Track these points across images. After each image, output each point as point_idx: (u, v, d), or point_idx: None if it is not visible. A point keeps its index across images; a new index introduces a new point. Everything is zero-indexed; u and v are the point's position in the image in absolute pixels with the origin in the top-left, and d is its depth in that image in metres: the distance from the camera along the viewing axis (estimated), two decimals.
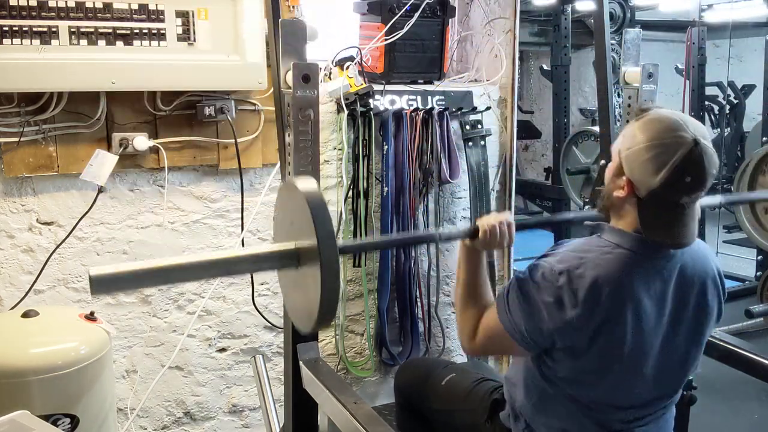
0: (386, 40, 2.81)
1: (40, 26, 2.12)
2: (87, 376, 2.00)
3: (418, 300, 3.03)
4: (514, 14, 3.11)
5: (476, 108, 3.01)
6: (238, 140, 2.53)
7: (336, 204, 2.81)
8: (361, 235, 2.83)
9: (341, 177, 2.79)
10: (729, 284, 4.45)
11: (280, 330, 2.76)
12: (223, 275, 1.94)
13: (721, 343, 2.19)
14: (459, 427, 1.94)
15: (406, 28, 2.81)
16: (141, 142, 2.39)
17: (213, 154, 2.57)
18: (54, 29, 2.14)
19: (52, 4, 2.13)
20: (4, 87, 2.15)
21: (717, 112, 5.14)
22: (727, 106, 5.02)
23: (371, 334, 2.99)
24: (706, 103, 4.69)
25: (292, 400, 2.07)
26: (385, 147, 2.81)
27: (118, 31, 2.22)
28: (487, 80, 3.15)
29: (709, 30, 4.29)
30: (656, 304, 1.54)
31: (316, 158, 1.87)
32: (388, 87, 2.81)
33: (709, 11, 4.50)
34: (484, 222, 1.64)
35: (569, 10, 3.95)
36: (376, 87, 2.77)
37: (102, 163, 2.32)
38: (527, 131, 4.32)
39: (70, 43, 2.17)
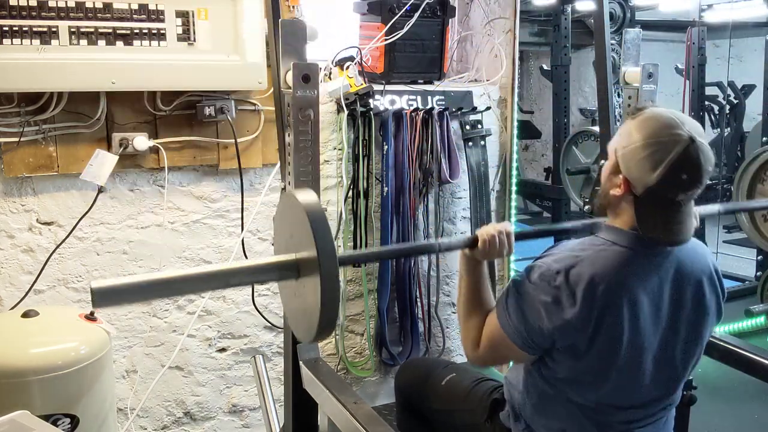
0: (386, 40, 2.82)
1: (40, 26, 2.12)
2: (87, 376, 2.00)
3: (418, 300, 3.03)
4: (514, 14, 3.11)
5: (476, 108, 3.01)
6: (238, 140, 2.53)
7: (336, 204, 2.81)
8: (361, 236, 2.83)
9: (341, 177, 2.79)
10: (729, 284, 4.48)
11: (280, 330, 2.76)
12: (223, 287, 1.95)
13: (721, 343, 2.19)
14: (459, 426, 1.94)
15: (406, 28, 2.81)
16: (141, 142, 2.39)
17: (213, 154, 2.57)
18: (54, 29, 2.14)
19: (52, 4, 2.13)
20: (4, 87, 2.15)
21: (717, 112, 5.14)
22: (727, 106, 5.02)
23: (371, 334, 2.99)
24: (706, 103, 4.68)
25: (292, 400, 2.07)
26: (385, 147, 2.81)
27: (118, 31, 2.22)
28: (487, 80, 3.15)
29: (709, 30, 4.28)
30: (653, 300, 1.54)
31: (316, 158, 1.87)
32: (388, 87, 2.81)
33: (709, 11, 4.49)
34: (484, 232, 1.65)
35: (569, 10, 3.95)
36: (376, 87, 2.77)
37: (102, 163, 2.32)
38: (527, 131, 4.31)
39: (70, 43, 2.17)
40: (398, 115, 2.83)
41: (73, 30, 2.17)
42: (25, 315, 2.05)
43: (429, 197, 2.97)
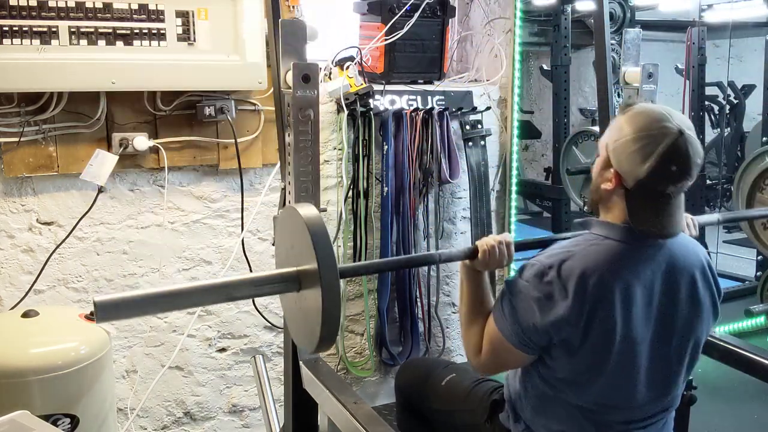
0: (386, 40, 2.82)
1: (40, 26, 2.13)
2: (87, 376, 2.00)
3: (418, 300, 3.03)
4: (514, 14, 3.11)
5: (476, 108, 3.01)
6: (238, 140, 2.53)
7: (336, 204, 2.81)
8: (361, 236, 2.83)
9: (341, 177, 2.79)
10: (729, 284, 4.48)
11: (280, 330, 2.76)
12: (225, 300, 1.98)
13: (721, 343, 2.19)
14: (459, 427, 1.94)
15: (406, 28, 2.81)
16: (141, 142, 2.39)
17: (213, 154, 2.57)
18: (54, 29, 2.14)
19: (52, 4, 2.13)
20: (4, 87, 2.15)
21: (717, 112, 5.13)
22: (727, 106, 5.01)
23: (371, 334, 2.99)
24: (706, 103, 4.68)
25: (292, 400, 2.07)
26: (385, 147, 2.81)
27: (118, 31, 2.22)
28: (487, 80, 3.15)
29: (709, 30, 4.28)
30: (645, 293, 1.55)
31: (316, 158, 1.87)
32: (388, 87, 2.82)
33: (709, 11, 4.49)
34: (484, 243, 1.67)
35: (569, 10, 3.94)
36: (376, 87, 2.77)
37: (102, 163, 2.32)
38: (527, 131, 4.31)
39: (70, 43, 2.17)
40: (398, 115, 2.83)
41: (73, 30, 2.17)
42: (25, 315, 2.05)
43: (429, 197, 2.98)
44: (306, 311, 1.47)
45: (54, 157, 2.35)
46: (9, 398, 1.87)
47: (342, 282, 2.89)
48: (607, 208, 1.60)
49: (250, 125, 2.60)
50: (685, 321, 1.60)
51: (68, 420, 1.96)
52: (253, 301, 2.70)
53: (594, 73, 3.29)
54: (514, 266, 3.21)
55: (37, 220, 2.40)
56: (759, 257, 4.33)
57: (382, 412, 2.11)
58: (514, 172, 3.19)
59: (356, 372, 3.01)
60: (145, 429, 2.68)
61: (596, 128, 3.45)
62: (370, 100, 2.72)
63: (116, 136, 2.39)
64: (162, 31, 2.27)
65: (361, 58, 2.78)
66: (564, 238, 1.71)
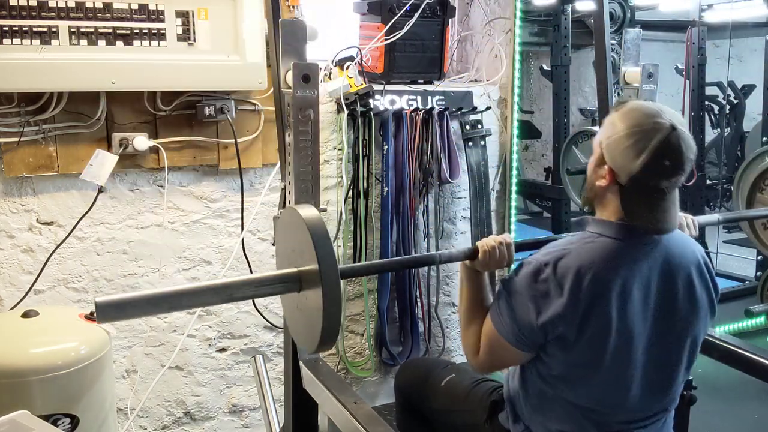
0: (386, 40, 2.82)
1: (40, 26, 2.12)
2: (87, 376, 2.00)
3: (418, 300, 3.03)
4: (514, 14, 3.11)
5: (476, 108, 3.01)
6: (238, 140, 2.53)
7: (336, 204, 2.81)
8: (361, 236, 2.83)
9: (341, 177, 2.79)
10: (729, 284, 4.47)
11: (280, 330, 2.76)
12: (226, 301, 1.98)
13: (721, 343, 2.19)
14: (459, 427, 1.94)
15: (406, 28, 2.81)
16: (141, 142, 2.39)
17: (213, 154, 2.57)
18: (54, 29, 2.14)
19: (52, 4, 2.13)
20: (4, 87, 2.15)
21: (717, 112, 5.13)
22: (727, 106, 5.02)
23: (371, 334, 2.99)
24: (706, 103, 4.68)
25: (292, 400, 2.07)
26: (385, 147, 2.81)
27: (118, 31, 2.22)
28: (487, 80, 3.15)
29: (709, 30, 4.28)
30: (641, 290, 1.55)
31: (316, 158, 1.87)
32: (388, 87, 2.82)
33: (709, 11, 4.49)
34: (484, 243, 1.68)
35: (569, 10, 3.94)
36: (376, 87, 2.77)
37: (102, 163, 2.32)
38: (527, 131, 4.31)
39: (70, 43, 2.17)
40: (398, 115, 2.83)
41: (73, 30, 2.16)
42: (25, 315, 2.05)
43: (429, 197, 2.98)
44: (307, 312, 1.48)
45: (54, 157, 2.35)
46: (9, 398, 1.87)
47: (342, 282, 2.89)
48: (602, 206, 1.61)
49: (250, 125, 2.60)
50: (682, 318, 1.61)
51: (68, 420, 1.96)
52: (253, 301, 2.70)
53: (594, 73, 3.29)
54: (514, 267, 3.21)
55: (37, 220, 2.40)
56: (759, 257, 4.33)
57: (382, 412, 2.11)
58: (514, 172, 3.19)
59: (356, 372, 3.01)
60: (145, 429, 2.68)
61: (596, 128, 3.45)
62: (370, 100, 2.72)
63: (116, 136, 2.39)
64: (162, 31, 2.27)
65: (361, 58, 2.78)
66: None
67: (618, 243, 1.55)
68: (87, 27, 2.18)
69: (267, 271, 2.41)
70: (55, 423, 1.91)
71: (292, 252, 1.54)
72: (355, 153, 2.78)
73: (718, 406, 3.06)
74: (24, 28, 2.11)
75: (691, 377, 2.19)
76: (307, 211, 1.48)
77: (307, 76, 1.78)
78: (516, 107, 3.16)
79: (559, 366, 1.58)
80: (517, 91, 3.15)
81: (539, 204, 4.43)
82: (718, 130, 5.14)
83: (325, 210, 2.66)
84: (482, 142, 3.06)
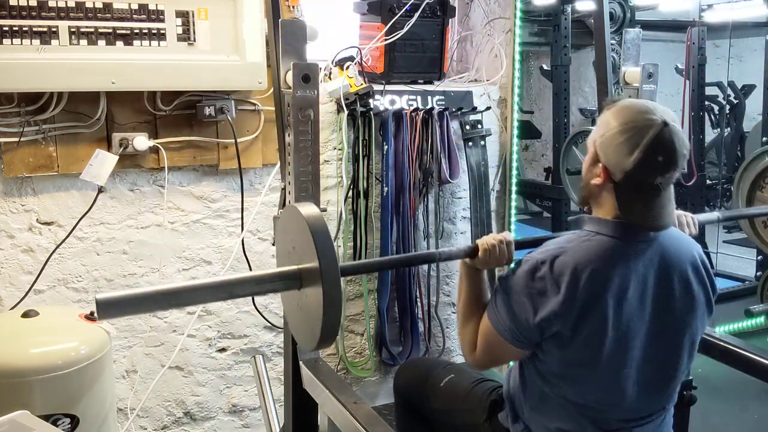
0: (386, 40, 2.82)
1: (40, 26, 2.12)
2: (87, 376, 2.00)
3: (418, 300, 3.03)
4: (514, 14, 3.11)
5: (476, 108, 3.01)
6: (238, 140, 2.53)
7: (336, 204, 2.81)
8: (361, 236, 2.83)
9: (341, 177, 2.79)
10: (729, 284, 4.46)
11: (280, 330, 2.76)
12: (227, 298, 1.99)
13: (721, 343, 2.18)
14: (458, 427, 1.95)
15: (406, 28, 2.81)
16: (141, 142, 2.39)
17: (213, 154, 2.57)
18: (54, 29, 2.14)
19: (52, 4, 2.13)
20: (4, 87, 2.15)
21: (717, 112, 5.13)
22: (727, 106, 5.01)
23: (371, 334, 2.99)
24: (706, 103, 4.68)
25: (292, 400, 2.07)
26: (385, 147, 2.81)
27: (118, 31, 2.22)
28: (487, 80, 3.15)
29: (709, 30, 4.28)
30: (638, 288, 1.56)
31: (316, 158, 1.87)
32: (388, 87, 2.82)
33: (709, 11, 4.48)
34: (484, 241, 1.69)
35: (569, 10, 3.94)
36: (376, 87, 2.77)
37: (102, 163, 2.32)
38: (527, 131, 4.31)
39: (70, 43, 2.17)
40: (398, 115, 2.83)
41: (73, 30, 2.17)
42: (25, 315, 2.05)
43: (429, 197, 2.98)
44: (307, 309, 1.48)
45: (54, 157, 2.35)
46: (9, 398, 1.87)
47: (342, 282, 2.90)
48: (598, 204, 1.62)
49: (250, 125, 2.60)
50: (679, 316, 1.61)
51: (68, 420, 1.96)
52: (253, 301, 2.70)
53: (594, 73, 3.29)
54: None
55: (37, 220, 2.40)
56: (759, 257, 4.32)
57: (382, 412, 2.11)
58: (514, 172, 3.19)
59: (356, 372, 3.01)
60: (145, 429, 2.68)
61: None
62: (370, 100, 2.72)
63: (116, 136, 2.39)
64: (162, 31, 2.27)
65: (361, 58, 2.78)
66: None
67: (614, 241, 1.56)
68: (87, 27, 2.18)
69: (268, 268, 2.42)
70: (55, 423, 1.91)
71: (292, 250, 1.54)
72: (355, 153, 2.78)
73: (718, 406, 3.06)
74: (24, 28, 2.11)
75: (691, 377, 2.19)
76: (308, 209, 1.48)
77: (307, 76, 1.78)
78: (516, 107, 3.16)
79: (556, 364, 1.58)
80: (517, 91, 3.15)
81: (539, 204, 4.43)
82: (718, 130, 5.14)
83: (325, 210, 2.65)
84: (482, 142, 3.06)
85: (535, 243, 1.82)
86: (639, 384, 1.60)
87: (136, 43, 2.24)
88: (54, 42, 2.15)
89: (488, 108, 3.06)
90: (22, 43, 2.11)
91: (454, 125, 2.98)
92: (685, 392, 2.15)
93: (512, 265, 1.66)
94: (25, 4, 2.10)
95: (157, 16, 2.26)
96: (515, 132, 3.16)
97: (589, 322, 1.52)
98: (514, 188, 3.21)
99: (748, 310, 3.80)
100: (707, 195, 4.50)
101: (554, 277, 1.52)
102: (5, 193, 2.35)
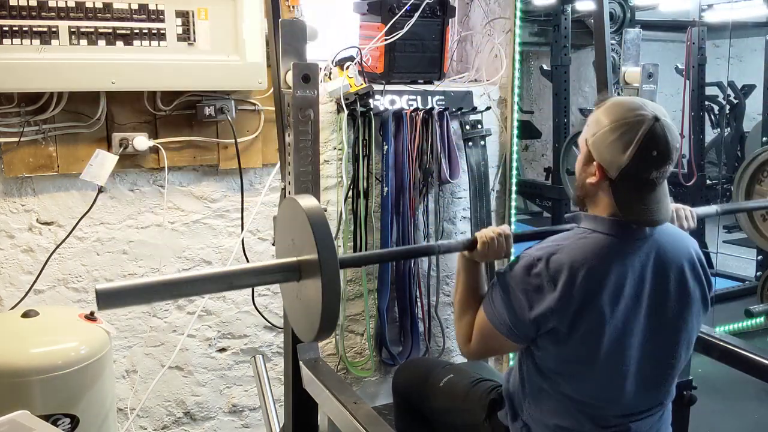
0: (386, 40, 2.82)
1: (40, 26, 2.12)
2: (87, 376, 2.00)
3: (418, 300, 3.03)
4: (514, 14, 3.11)
5: (476, 108, 3.01)
6: (238, 140, 2.53)
7: (336, 204, 2.81)
8: (361, 236, 2.83)
9: (341, 177, 2.79)
10: (729, 284, 4.46)
11: (280, 330, 2.76)
12: (227, 289, 1.98)
13: (721, 343, 2.18)
14: (458, 426, 1.95)
15: (406, 28, 2.81)
16: (141, 142, 2.39)
17: (213, 154, 2.57)
18: (54, 29, 2.14)
19: (52, 4, 2.13)
20: (4, 87, 2.15)
21: (717, 112, 5.13)
22: (727, 106, 5.01)
23: (371, 334, 2.99)
24: (706, 103, 4.68)
25: (292, 400, 2.07)
26: (385, 147, 2.81)
27: (118, 31, 2.22)
28: (487, 80, 3.15)
29: (709, 30, 4.28)
30: (634, 286, 1.56)
31: (316, 158, 1.87)
32: (388, 87, 2.82)
33: (709, 11, 4.48)
34: (483, 234, 1.70)
35: (569, 10, 3.94)
36: (376, 87, 2.77)
37: (102, 163, 2.31)
38: (527, 131, 4.31)
39: (70, 43, 2.17)
40: (398, 115, 2.83)
41: (73, 30, 2.16)
42: (25, 315, 2.05)
43: (429, 197, 2.98)
44: (306, 300, 1.48)
45: (54, 157, 2.35)
46: (9, 398, 1.87)
47: (342, 282, 2.90)
48: (593, 203, 1.63)
49: (250, 125, 2.60)
50: (675, 313, 1.62)
51: (68, 420, 1.96)
52: (253, 301, 2.70)
53: (594, 73, 3.29)
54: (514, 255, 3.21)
55: (37, 220, 2.40)
56: (759, 257, 4.32)
57: (382, 412, 2.11)
58: (514, 172, 3.19)
59: (356, 372, 3.01)
60: (145, 429, 2.68)
61: None
62: (370, 100, 2.72)
63: (116, 136, 2.39)
64: (162, 31, 2.27)
65: (361, 58, 2.78)
66: (564, 230, 1.72)
67: (610, 239, 1.57)
68: (87, 27, 2.18)
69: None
70: (55, 423, 1.91)
71: (291, 242, 1.54)
72: (355, 153, 2.78)
73: (718, 406, 3.06)
74: (24, 28, 2.11)
75: (691, 377, 2.19)
76: (307, 201, 1.48)
77: (307, 76, 1.78)
78: (516, 107, 3.16)
79: (553, 360, 1.60)
80: (517, 91, 3.15)
81: (539, 204, 4.43)
82: (718, 130, 5.14)
83: (325, 210, 2.65)
84: (482, 142, 3.06)
85: (534, 236, 1.83)
86: (636, 380, 1.61)
87: (136, 43, 2.24)
88: (54, 42, 2.15)
89: (488, 108, 3.06)
90: (22, 43, 2.11)
91: (454, 125, 2.98)
92: (685, 392, 2.15)
93: (510, 261, 1.67)
94: (25, 4, 2.10)
95: (157, 16, 2.26)
96: (515, 132, 3.16)
97: (586, 320, 1.53)
98: (514, 188, 3.21)
99: (748, 310, 3.81)
100: (707, 195, 4.50)
101: (550, 274, 1.53)
102: (5, 193, 2.35)
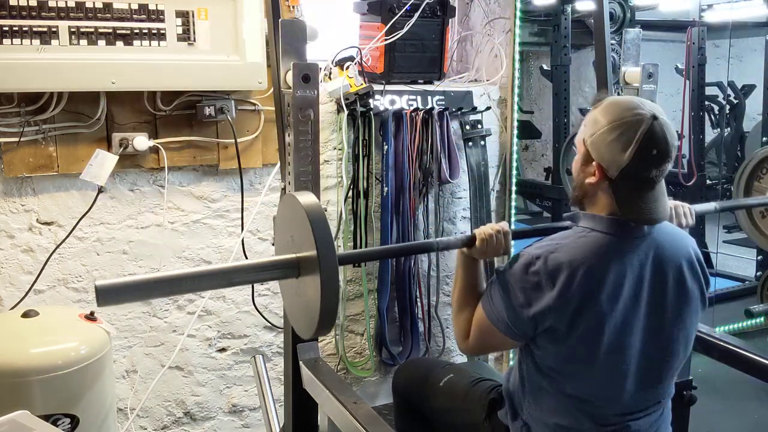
0: (386, 40, 2.82)
1: (40, 26, 2.12)
2: (87, 376, 2.00)
3: (418, 300, 3.03)
4: (514, 14, 3.11)
5: (476, 108, 3.01)
6: (238, 140, 2.53)
7: (336, 204, 2.81)
8: (361, 236, 2.83)
9: (341, 177, 2.79)
10: (729, 284, 4.46)
11: (280, 330, 2.76)
12: (226, 286, 1.98)
13: (721, 343, 2.18)
14: (458, 426, 1.95)
15: (406, 28, 2.81)
16: (141, 142, 2.39)
17: (213, 154, 2.57)
18: (54, 29, 2.14)
19: (52, 4, 2.13)
20: (4, 87, 2.15)
21: (717, 112, 5.13)
22: (727, 106, 5.01)
23: (371, 334, 2.99)
24: (706, 103, 4.68)
25: (292, 400, 2.07)
26: (385, 147, 2.81)
27: (118, 31, 2.22)
28: (487, 80, 3.15)
29: (709, 30, 4.28)
30: (633, 285, 1.57)
31: (316, 158, 1.87)
32: (388, 87, 2.82)
33: (709, 11, 4.48)
34: (482, 231, 1.70)
35: (569, 10, 3.94)
36: (376, 87, 2.77)
37: (102, 163, 2.31)
38: (527, 131, 4.31)
39: (70, 43, 2.17)
40: (398, 115, 2.83)
41: (73, 30, 2.16)
42: (25, 315, 2.05)
43: (429, 197, 2.98)
44: (305, 297, 1.48)
45: (54, 157, 2.35)
46: (9, 398, 1.87)
47: (342, 282, 2.90)
48: (592, 203, 1.63)
49: (250, 125, 2.60)
50: (674, 311, 1.62)
51: (68, 420, 1.96)
52: (253, 301, 2.70)
53: (594, 73, 3.29)
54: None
55: (37, 220, 2.40)
56: (759, 257, 4.32)
57: (382, 412, 2.11)
58: (514, 172, 3.19)
59: (356, 372, 3.01)
60: (145, 429, 2.68)
61: None
62: (370, 100, 2.72)
63: (116, 136, 2.39)
64: (162, 31, 2.27)
65: (361, 58, 2.78)
66: (565, 227, 1.73)
67: (609, 238, 1.57)
68: (87, 27, 2.18)
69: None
70: (55, 423, 1.91)
71: (290, 238, 1.54)
72: (355, 153, 2.78)
73: (718, 406, 3.06)
74: (24, 28, 2.11)
75: (691, 377, 2.19)
76: (306, 198, 1.48)
77: (307, 76, 1.78)
78: (516, 107, 3.16)
79: (552, 359, 1.60)
80: (517, 91, 3.15)
81: (539, 204, 4.43)
82: (718, 130, 5.14)
83: (325, 210, 2.65)
84: (482, 142, 3.06)
85: (533, 233, 1.84)
86: (636, 378, 1.61)
87: (136, 43, 2.24)
88: (54, 42, 2.15)
89: (488, 108, 3.06)
90: (22, 43, 2.11)
91: (454, 125, 2.98)
92: (685, 392, 2.15)
93: (509, 259, 1.67)
94: (25, 4, 2.10)
95: (157, 16, 2.26)
96: (515, 132, 3.16)
97: (585, 319, 1.53)
98: (514, 188, 3.21)
99: (748, 310, 3.81)
100: (707, 195, 4.50)
101: (549, 273, 1.53)
102: (5, 193, 2.35)
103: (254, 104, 2.58)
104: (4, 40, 2.09)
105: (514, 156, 3.18)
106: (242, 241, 2.64)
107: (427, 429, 2.05)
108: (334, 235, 2.78)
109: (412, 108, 2.85)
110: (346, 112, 2.71)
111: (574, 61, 4.12)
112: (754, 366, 2.13)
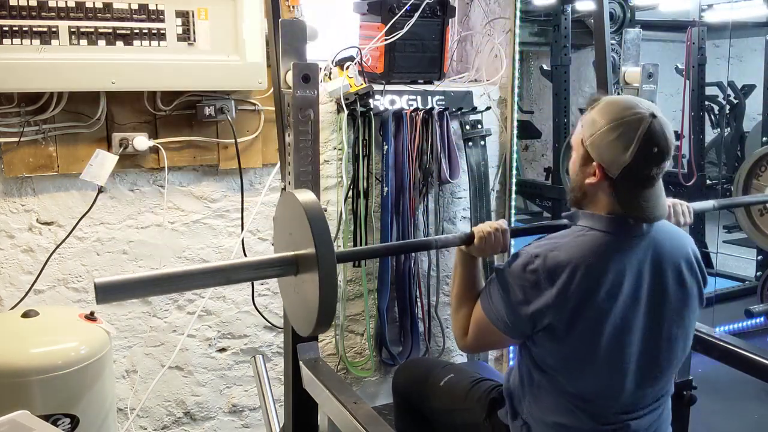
0: (386, 40, 2.82)
1: (40, 26, 2.12)
2: (87, 376, 2.00)
3: (418, 300, 3.03)
4: (513, 14, 3.11)
5: (476, 108, 3.01)
6: (238, 140, 2.53)
7: (336, 204, 2.81)
8: (361, 236, 2.83)
9: (341, 177, 2.79)
10: (729, 284, 4.46)
11: (280, 330, 2.76)
12: (224, 283, 1.98)
13: (721, 343, 2.19)
14: (458, 426, 1.95)
15: (406, 28, 2.81)
16: (141, 142, 2.39)
17: (213, 154, 2.57)
18: (54, 29, 2.14)
19: (52, 4, 2.13)
20: (4, 87, 2.15)
21: (717, 112, 5.13)
22: (727, 106, 5.02)
23: (371, 334, 2.99)
24: (706, 103, 4.69)
25: (292, 400, 2.07)
26: (385, 147, 2.81)
27: (118, 31, 2.22)
28: (487, 80, 3.15)
29: (709, 30, 4.28)
30: (632, 283, 1.57)
31: (316, 158, 1.87)
32: (388, 87, 2.82)
33: (709, 11, 4.49)
34: (480, 229, 1.71)
35: (569, 10, 3.95)
36: (376, 87, 2.77)
37: (102, 163, 2.31)
38: (527, 131, 4.32)
39: (70, 43, 2.17)
40: (398, 115, 2.83)
41: (73, 30, 2.16)
42: (25, 315, 2.05)
43: (429, 197, 2.98)
44: (303, 295, 1.49)
45: (54, 157, 2.35)
46: (9, 398, 1.87)
47: (342, 282, 2.90)
48: (592, 204, 1.64)
49: (250, 125, 2.60)
50: (673, 309, 1.63)
51: (68, 420, 1.96)
52: (253, 300, 2.70)
53: (594, 73, 3.29)
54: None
55: (37, 220, 2.40)
56: (759, 257, 4.33)
57: (382, 412, 2.11)
58: (514, 172, 3.19)
59: (356, 372, 3.01)
60: (145, 429, 2.68)
61: None
62: (370, 100, 2.72)
63: (116, 136, 2.39)
64: (162, 31, 2.27)
65: (361, 58, 2.78)
66: (563, 225, 1.73)
67: (608, 236, 1.58)
68: (87, 27, 2.18)
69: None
70: (55, 423, 1.91)
71: (289, 236, 1.54)
72: (355, 153, 2.78)
73: (718, 406, 3.06)
74: (24, 28, 2.11)
75: (691, 377, 2.20)
76: (305, 196, 1.49)
77: (307, 76, 1.78)
78: (516, 107, 3.16)
79: (552, 358, 1.60)
80: (517, 91, 3.15)
81: (539, 204, 4.44)
82: (718, 130, 5.14)
83: (325, 210, 2.65)
84: (482, 142, 3.06)
85: (531, 231, 1.84)
86: (635, 377, 1.62)
87: (136, 43, 2.24)
88: (54, 42, 2.15)
89: (488, 108, 3.06)
90: (22, 43, 2.11)
91: (454, 125, 2.98)
92: (685, 392, 2.16)
93: (508, 257, 1.67)
94: (25, 4, 2.10)
95: (157, 16, 2.26)
96: (515, 132, 3.16)
97: (584, 318, 1.53)
98: (514, 188, 3.21)
99: (748, 310, 3.80)
100: (707, 195, 4.50)
101: (547, 271, 1.54)
102: (5, 193, 2.35)
103: (254, 104, 2.58)
104: (4, 40, 2.09)
105: (514, 156, 3.18)
106: (242, 241, 2.64)
107: (427, 429, 2.06)
108: (334, 235, 2.78)
109: (412, 108, 2.85)
110: (346, 112, 2.71)
111: (574, 61, 4.12)
112: (754, 366, 2.13)
